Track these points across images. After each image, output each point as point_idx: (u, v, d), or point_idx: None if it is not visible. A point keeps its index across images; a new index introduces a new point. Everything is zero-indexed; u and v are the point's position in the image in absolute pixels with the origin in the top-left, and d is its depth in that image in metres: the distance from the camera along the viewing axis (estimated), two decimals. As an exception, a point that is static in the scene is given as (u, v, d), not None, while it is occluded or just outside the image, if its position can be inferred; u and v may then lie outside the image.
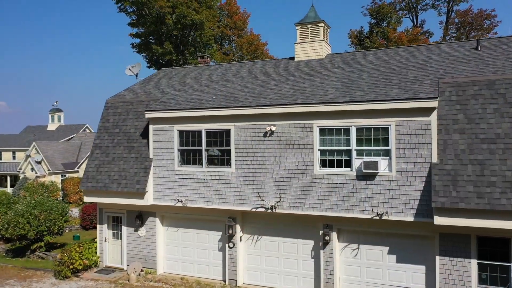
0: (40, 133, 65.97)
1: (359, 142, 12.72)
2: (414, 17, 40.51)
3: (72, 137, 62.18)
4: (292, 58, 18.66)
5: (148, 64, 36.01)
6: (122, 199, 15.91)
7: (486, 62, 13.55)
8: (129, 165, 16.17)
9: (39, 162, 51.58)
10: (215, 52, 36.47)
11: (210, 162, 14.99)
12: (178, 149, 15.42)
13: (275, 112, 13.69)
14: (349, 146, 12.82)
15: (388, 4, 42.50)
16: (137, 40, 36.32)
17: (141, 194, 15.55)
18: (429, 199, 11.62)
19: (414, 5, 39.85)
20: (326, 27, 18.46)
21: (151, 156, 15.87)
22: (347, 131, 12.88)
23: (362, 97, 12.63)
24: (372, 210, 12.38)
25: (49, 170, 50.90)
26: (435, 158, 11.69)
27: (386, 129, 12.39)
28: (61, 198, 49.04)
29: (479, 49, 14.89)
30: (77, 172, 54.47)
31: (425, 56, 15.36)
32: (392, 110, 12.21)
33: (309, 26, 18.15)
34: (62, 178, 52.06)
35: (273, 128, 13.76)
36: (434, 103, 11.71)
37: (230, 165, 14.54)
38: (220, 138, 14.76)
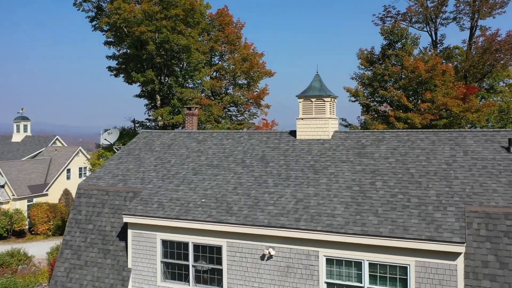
0: (3, 145, 65.16)
1: (373, 279, 12.40)
2: (433, 31, 40.02)
3: (40, 152, 61.47)
4: (294, 133, 18.23)
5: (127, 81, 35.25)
6: (97, 316, 15.55)
7: (519, 176, 13.28)
8: (104, 274, 15.78)
9: (2, 186, 50.99)
10: (204, 79, 35.80)
11: (198, 280, 14.64)
12: (162, 261, 15.03)
13: (274, 235, 13.32)
14: (361, 283, 12.50)
15: (402, 15, 41.98)
16: (114, 63, 35.67)
17: (118, 312, 15.19)
18: None
19: (433, 18, 39.31)
20: (333, 99, 18.03)
21: (129, 265, 15.47)
22: (358, 264, 12.55)
23: (376, 228, 12.27)
24: None
25: (13, 195, 50.33)
26: (461, 312, 11.43)
27: (404, 269, 12.08)
28: (27, 228, 48.66)
29: (511, 150, 14.54)
30: (46, 195, 53.96)
31: (448, 155, 14.98)
32: (411, 250, 11.89)
33: (313, 99, 17.70)
34: (29, 203, 51.56)
35: (272, 252, 13.40)
36: (460, 248, 11.38)
37: (222, 286, 14.21)
38: (211, 254, 14.38)
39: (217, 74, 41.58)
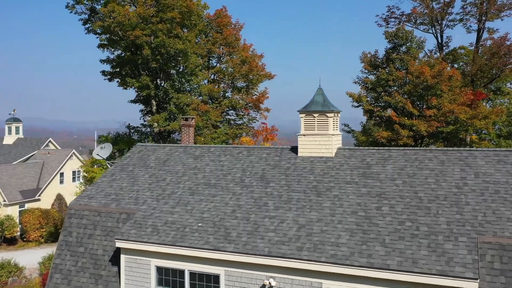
0: (-5, 147, 64.62)
1: (380, 314, 11.97)
2: (439, 33, 39.53)
3: (32, 155, 60.95)
4: (295, 149, 17.78)
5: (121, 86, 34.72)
6: None
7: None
8: (96, 301, 15.34)
9: (-7, 191, 50.46)
10: (202, 83, 35.28)
11: (195, 309, 14.21)
12: (156, 289, 14.60)
13: (274, 265, 12.89)
14: (367, 318, 12.08)
15: (406, 16, 41.50)
16: (108, 67, 35.12)
17: None
18: None
19: (439, 20, 38.82)
20: (336, 114, 17.58)
21: (123, 292, 15.04)
22: (364, 298, 12.13)
23: (383, 260, 11.83)
24: None
25: (4, 201, 49.79)
26: None
27: (413, 304, 11.64)
28: (18, 234, 48.19)
29: (525, 172, 14.10)
30: (38, 200, 53.45)
31: (458, 177, 14.53)
32: (421, 284, 11.47)
33: (315, 115, 17.26)
34: (21, 209, 51.06)
35: (273, 283, 12.97)
36: (474, 285, 10.95)
37: (220, 317, 13.78)
38: (208, 283, 13.95)
39: (215, 76, 41.13)
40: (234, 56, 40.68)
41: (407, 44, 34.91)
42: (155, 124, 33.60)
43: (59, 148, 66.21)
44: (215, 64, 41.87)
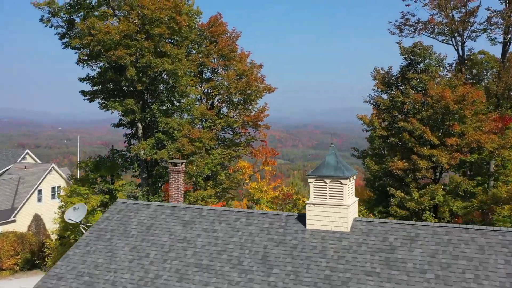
0: (-35, 161, 62.58)
1: None
2: (460, 45, 37.70)
3: (7, 169, 59.01)
4: (303, 218, 16.04)
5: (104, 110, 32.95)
6: None
7: None
8: None
9: (-38, 213, 48.70)
10: (194, 105, 33.43)
11: None
12: None
13: None
14: None
15: (423, 23, 39.65)
16: (89, 86, 33.15)
17: None
18: None
19: (460, 31, 36.97)
20: (352, 178, 15.83)
21: None
22: None
23: None
24: None
25: (-25, 224, 48.09)
26: None
27: None
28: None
29: None
30: (13, 222, 51.61)
31: (503, 273, 12.77)
32: None
33: (327, 180, 15.49)
34: (-7, 233, 49.29)
35: None
36: None
37: None
38: None
39: (209, 91, 39.25)
40: (231, 68, 38.81)
41: (425, 62, 33.10)
42: (141, 153, 31.78)
43: (38, 161, 64.24)
44: (209, 76, 39.97)
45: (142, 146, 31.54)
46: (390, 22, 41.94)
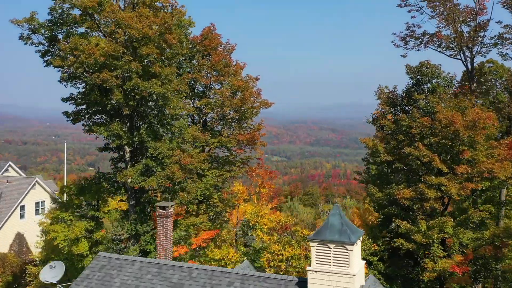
0: None
1: None
2: (469, 60, 36.61)
3: (-13, 184, 57.65)
4: (304, 285, 14.94)
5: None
6: None
7: None
8: None
9: None
10: (185, 127, 32.16)
11: None
12: None
13: None
14: None
15: (429, 36, 38.56)
16: (72, 107, 31.85)
17: None
18: None
19: (469, 46, 35.88)
20: (358, 242, 14.74)
21: None
22: None
23: None
24: None
25: (-49, 244, 46.76)
26: None
27: None
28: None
29: None
30: (-7, 243, 50.35)
31: None
32: None
33: (331, 245, 14.38)
34: (-30, 257, 47.98)
35: None
36: None
37: None
38: None
39: (202, 107, 38.00)
40: (225, 82, 37.59)
41: (433, 81, 31.98)
42: (129, 180, 30.50)
43: (21, 174, 62.83)
44: (202, 90, 38.64)
45: (129, 174, 30.27)
46: (395, 34, 40.91)
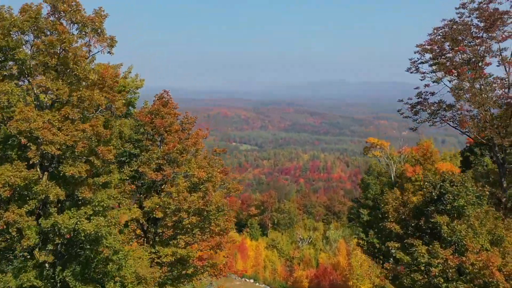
0: None
1: None
2: (500, 158, 29.01)
3: None
4: None
5: None
6: None
7: None
8: None
9: None
10: (126, 261, 23.70)
11: None
12: None
13: None
14: None
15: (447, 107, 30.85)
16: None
17: None
18: None
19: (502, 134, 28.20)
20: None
21: None
22: None
23: None
24: None
25: None
26: None
27: None
28: None
29: None
30: None
31: None
32: None
33: None
34: None
35: None
36: None
37: None
38: None
39: (149, 209, 29.19)
40: (181, 174, 29.33)
41: (459, 201, 24.31)
42: None
43: None
44: (149, 185, 30.13)
45: None
46: (401, 101, 33.18)
